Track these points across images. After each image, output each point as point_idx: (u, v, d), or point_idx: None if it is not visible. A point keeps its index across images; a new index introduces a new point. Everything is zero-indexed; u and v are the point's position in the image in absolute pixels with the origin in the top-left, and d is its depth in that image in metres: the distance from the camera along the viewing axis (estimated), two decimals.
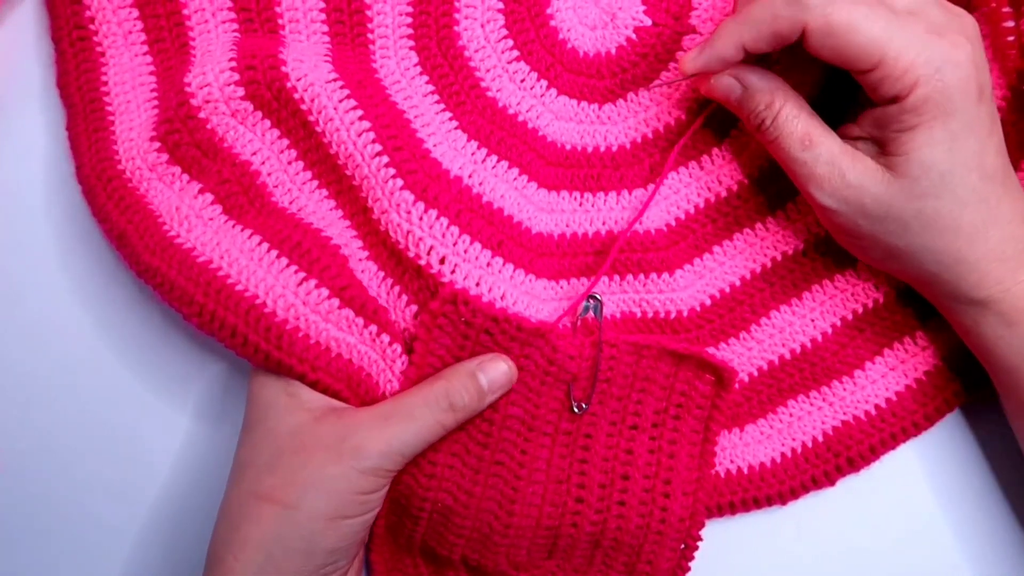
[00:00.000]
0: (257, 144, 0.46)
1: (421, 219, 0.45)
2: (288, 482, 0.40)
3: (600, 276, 0.47)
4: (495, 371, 0.43)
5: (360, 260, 0.46)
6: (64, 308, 0.49)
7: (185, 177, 0.46)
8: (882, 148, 0.41)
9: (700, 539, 0.46)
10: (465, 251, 0.46)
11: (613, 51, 0.49)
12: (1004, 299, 0.42)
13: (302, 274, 0.44)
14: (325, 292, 0.44)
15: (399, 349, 0.45)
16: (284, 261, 0.44)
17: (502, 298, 0.46)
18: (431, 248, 0.45)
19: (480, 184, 0.47)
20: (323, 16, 0.48)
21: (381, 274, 0.46)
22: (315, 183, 0.47)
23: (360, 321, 0.44)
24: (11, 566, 0.49)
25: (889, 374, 0.48)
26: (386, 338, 0.45)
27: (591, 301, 0.46)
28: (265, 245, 0.44)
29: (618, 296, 0.48)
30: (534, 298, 0.46)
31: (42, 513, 0.49)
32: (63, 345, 0.49)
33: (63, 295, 0.49)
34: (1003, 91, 0.48)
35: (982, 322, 0.43)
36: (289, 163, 0.47)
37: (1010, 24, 0.47)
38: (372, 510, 0.42)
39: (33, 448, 0.49)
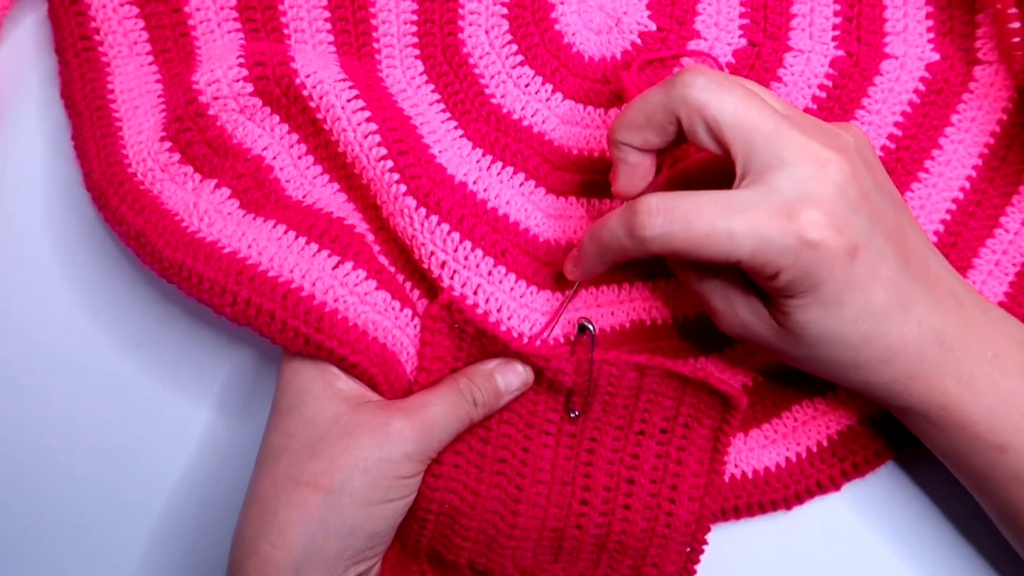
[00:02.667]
0: (267, 139, 0.47)
1: (423, 224, 0.45)
2: (332, 467, 0.40)
3: (554, 320, 0.47)
4: (511, 373, 0.44)
5: (376, 253, 0.46)
6: (76, 311, 0.50)
7: (197, 176, 0.46)
8: (781, 310, 0.40)
9: (706, 543, 0.46)
10: (466, 258, 0.45)
11: (618, 56, 0.49)
12: (928, 411, 0.41)
13: (336, 258, 0.43)
14: (362, 273, 0.44)
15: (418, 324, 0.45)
16: (315, 247, 0.43)
17: (498, 311, 0.46)
18: (432, 253, 0.45)
19: (485, 190, 0.47)
20: (328, 26, 0.49)
21: (392, 269, 0.47)
22: (326, 177, 0.47)
23: (396, 304, 0.45)
24: (30, 562, 0.49)
25: None
26: (418, 323, 0.45)
27: (585, 322, 0.46)
28: (292, 233, 0.44)
29: (627, 305, 0.49)
30: (533, 311, 0.46)
31: (59, 511, 0.49)
32: (76, 348, 0.50)
33: (74, 300, 0.50)
34: (1010, 92, 0.48)
35: (910, 421, 0.43)
36: (299, 157, 0.47)
37: (1016, 25, 0.47)
38: (411, 493, 0.43)
39: (50, 450, 0.49)
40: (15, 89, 0.50)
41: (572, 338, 0.46)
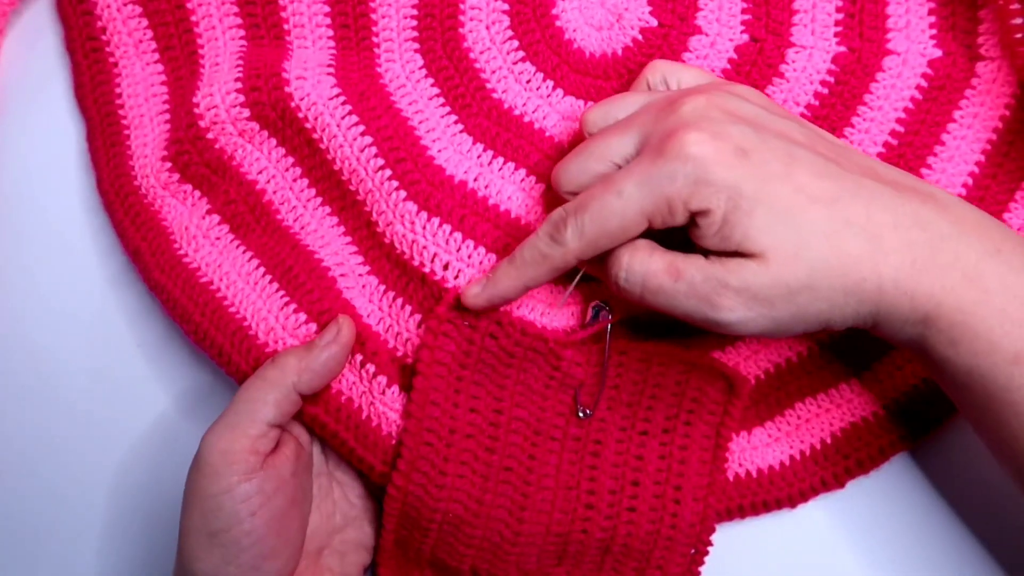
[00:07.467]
0: (263, 163, 0.48)
1: (424, 228, 0.45)
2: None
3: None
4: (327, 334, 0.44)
5: (360, 276, 0.47)
6: (79, 308, 0.50)
7: (196, 193, 0.48)
8: (732, 245, 0.39)
9: (711, 544, 0.46)
10: (469, 256, 0.46)
11: (619, 52, 0.49)
12: (940, 314, 0.38)
13: (286, 298, 0.45)
14: (303, 317, 0.45)
15: (384, 381, 0.45)
16: (275, 285, 0.46)
17: None
18: (435, 255, 0.45)
19: (486, 187, 0.47)
20: (328, 20, 0.49)
21: (382, 288, 0.47)
22: (319, 200, 0.48)
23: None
24: (31, 562, 0.49)
25: (898, 374, 0.48)
26: (371, 368, 0.45)
27: (600, 306, 0.46)
28: (261, 269, 0.46)
29: (625, 302, 0.48)
30: (539, 303, 0.46)
31: (60, 511, 0.50)
32: (79, 346, 0.50)
33: (78, 295, 0.50)
34: (1012, 88, 0.48)
35: (927, 350, 0.40)
36: (294, 180, 0.48)
37: (1019, 21, 0.47)
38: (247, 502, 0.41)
39: (52, 448, 0.50)
40: (28, 82, 0.51)
41: (586, 328, 0.46)
